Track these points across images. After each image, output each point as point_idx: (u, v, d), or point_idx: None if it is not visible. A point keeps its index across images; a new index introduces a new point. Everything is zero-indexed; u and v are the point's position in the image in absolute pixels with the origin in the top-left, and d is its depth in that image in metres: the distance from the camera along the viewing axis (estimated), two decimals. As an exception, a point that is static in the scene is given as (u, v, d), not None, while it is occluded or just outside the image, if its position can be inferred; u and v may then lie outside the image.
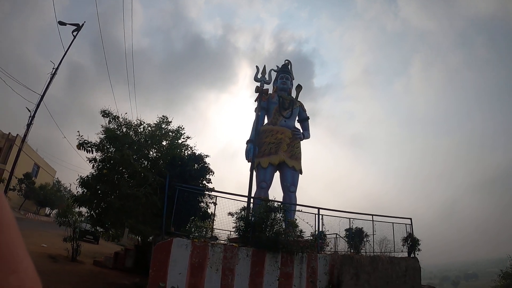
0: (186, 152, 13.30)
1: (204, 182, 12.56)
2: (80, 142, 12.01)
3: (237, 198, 12.33)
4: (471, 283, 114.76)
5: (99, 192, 11.69)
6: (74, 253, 14.77)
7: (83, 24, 19.18)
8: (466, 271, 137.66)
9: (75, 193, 12.59)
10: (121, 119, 12.86)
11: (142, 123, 13.30)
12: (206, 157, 12.81)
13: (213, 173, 12.72)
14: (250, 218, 11.72)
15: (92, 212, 12.24)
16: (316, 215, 12.74)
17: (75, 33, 18.73)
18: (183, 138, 13.93)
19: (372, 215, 14.11)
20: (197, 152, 12.89)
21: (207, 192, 12.38)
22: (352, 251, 13.71)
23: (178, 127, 14.00)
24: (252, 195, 14.86)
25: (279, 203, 12.42)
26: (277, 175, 17.23)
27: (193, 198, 11.40)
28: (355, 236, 14.02)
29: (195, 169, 11.63)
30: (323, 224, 13.02)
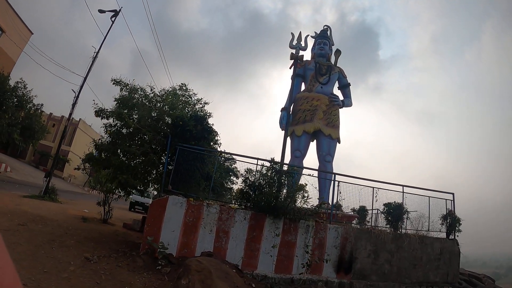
0: (188, 110, 13.07)
1: (208, 142, 12.23)
2: (96, 110, 12.52)
3: (246, 160, 11.74)
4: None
5: (107, 154, 12.14)
6: (105, 216, 15.63)
7: (120, 10, 20.11)
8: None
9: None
10: (131, 86, 13.09)
11: (153, 88, 13.38)
12: (208, 117, 12.49)
13: (217, 133, 12.42)
14: (251, 179, 11.02)
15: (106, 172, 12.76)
16: (327, 181, 11.51)
17: (113, 19, 19.76)
18: (191, 98, 13.73)
19: (403, 186, 12.30)
20: (206, 112, 12.68)
21: (208, 152, 12.00)
22: (391, 229, 12.21)
23: (182, 83, 13.84)
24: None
25: (287, 166, 11.53)
26: (313, 144, 16.28)
27: (194, 158, 11.10)
28: (394, 211, 12.47)
29: (196, 129, 11.33)
30: (339, 192, 11.73)
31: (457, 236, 12.35)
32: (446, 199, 12.80)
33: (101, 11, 20.05)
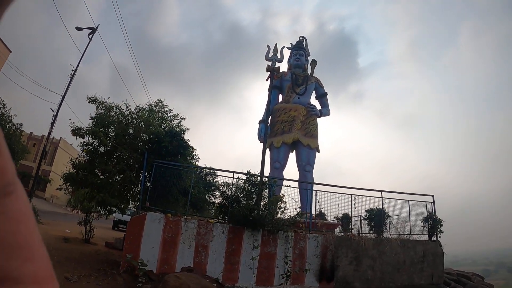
0: (164, 127, 13.07)
1: (184, 158, 12.24)
2: (73, 129, 12.41)
3: (223, 174, 11.77)
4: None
5: (85, 173, 12.03)
6: (87, 235, 15.35)
7: (97, 27, 20.08)
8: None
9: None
10: (106, 104, 13.04)
11: (128, 106, 13.35)
12: (184, 133, 12.51)
13: (193, 149, 12.44)
14: (228, 193, 11.03)
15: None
16: (309, 191, 11.59)
17: (91, 36, 19.69)
18: (167, 114, 13.75)
19: (382, 191, 12.44)
20: (183, 128, 12.69)
21: (184, 168, 11.98)
22: (375, 234, 12.32)
23: (158, 100, 13.86)
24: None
25: (265, 178, 11.57)
26: (293, 155, 16.36)
27: (170, 174, 11.07)
28: (376, 217, 12.59)
29: (172, 145, 11.32)
30: (318, 201, 11.80)
31: (440, 237, 12.50)
32: (426, 202, 12.98)
33: (78, 29, 19.97)
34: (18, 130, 30.58)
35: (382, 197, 12.44)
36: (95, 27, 19.98)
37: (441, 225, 12.56)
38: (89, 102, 12.85)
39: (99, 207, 12.77)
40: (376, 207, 12.66)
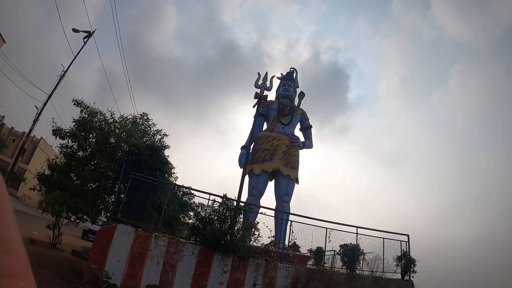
0: (145, 140, 13.00)
1: (162, 174, 12.13)
2: (54, 129, 12.21)
3: (199, 195, 11.63)
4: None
5: (60, 175, 11.77)
6: (54, 240, 14.86)
7: (93, 32, 20.22)
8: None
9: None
10: (91, 108, 12.95)
11: (113, 114, 13.27)
12: (164, 149, 12.45)
13: (171, 165, 12.35)
14: (203, 214, 10.89)
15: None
16: (284, 221, 11.53)
17: (86, 40, 19.76)
18: (150, 128, 13.70)
19: (358, 227, 12.45)
20: (164, 144, 12.64)
21: (161, 184, 11.85)
22: (347, 270, 12.23)
23: (143, 113, 13.83)
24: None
25: (241, 203, 11.48)
26: (272, 183, 16.30)
27: (146, 189, 10.91)
28: (350, 252, 12.54)
29: (151, 159, 11.21)
30: (292, 232, 11.73)
31: (413, 276, 12.47)
32: (401, 241, 13.01)
33: (75, 31, 19.97)
34: (0, 122, 29.89)
35: (357, 233, 12.46)
36: (91, 32, 20.02)
37: (414, 265, 12.58)
38: (74, 104, 12.73)
39: (70, 213, 12.44)
40: (351, 243, 12.65)
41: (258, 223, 10.90)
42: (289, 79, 17.92)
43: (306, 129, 17.39)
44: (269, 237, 11.31)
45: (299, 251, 12.50)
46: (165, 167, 12.23)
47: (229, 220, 10.82)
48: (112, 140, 12.40)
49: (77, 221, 13.02)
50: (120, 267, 9.71)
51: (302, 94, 17.50)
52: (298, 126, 17.38)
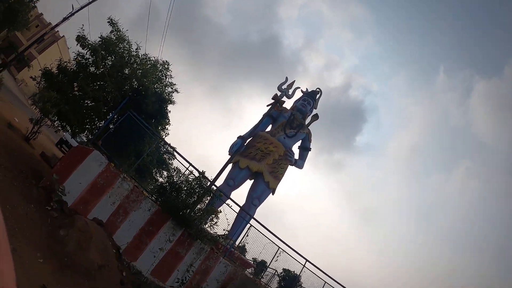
0: (156, 87, 12.95)
1: (157, 125, 12.12)
2: (80, 35, 12.12)
3: (180, 160, 11.62)
4: None
5: (65, 80, 11.72)
6: (30, 135, 14.76)
7: None
8: None
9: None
10: (121, 34, 12.88)
11: (139, 47, 13.18)
12: (169, 103, 12.43)
13: (168, 121, 12.33)
14: (175, 179, 10.90)
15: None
16: (244, 222, 11.57)
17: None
18: (165, 78, 13.62)
19: (307, 260, 12.43)
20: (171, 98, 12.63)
21: (151, 133, 11.83)
22: None
23: (166, 61, 13.70)
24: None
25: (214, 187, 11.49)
26: (249, 182, 16.28)
27: (136, 131, 10.86)
28: (289, 280, 12.57)
29: (153, 107, 11.18)
30: (247, 235, 11.77)
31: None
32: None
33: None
34: (32, 2, 29.30)
35: (304, 265, 12.46)
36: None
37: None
38: (108, 23, 12.66)
39: (57, 117, 12.36)
40: (294, 271, 12.65)
41: (220, 212, 10.90)
42: (310, 97, 17.83)
43: (305, 149, 17.36)
44: (224, 230, 11.33)
45: (244, 256, 12.53)
46: (162, 120, 12.20)
47: (195, 196, 10.82)
48: (126, 71, 12.32)
49: (59, 128, 12.94)
50: (78, 189, 9.68)
51: (316, 116, 17.44)
52: (298, 143, 17.37)
